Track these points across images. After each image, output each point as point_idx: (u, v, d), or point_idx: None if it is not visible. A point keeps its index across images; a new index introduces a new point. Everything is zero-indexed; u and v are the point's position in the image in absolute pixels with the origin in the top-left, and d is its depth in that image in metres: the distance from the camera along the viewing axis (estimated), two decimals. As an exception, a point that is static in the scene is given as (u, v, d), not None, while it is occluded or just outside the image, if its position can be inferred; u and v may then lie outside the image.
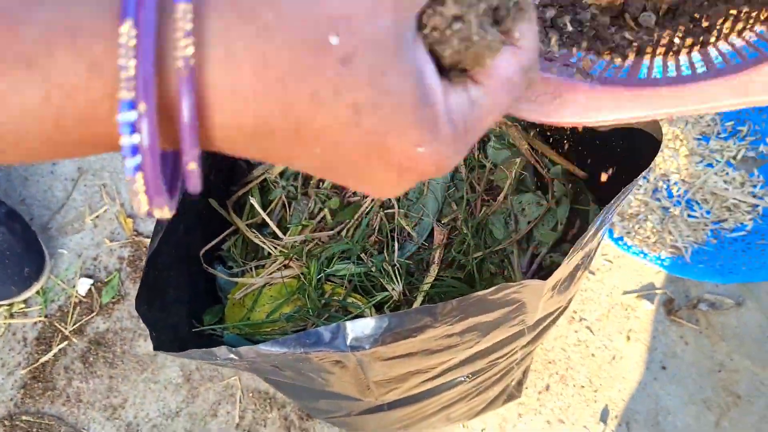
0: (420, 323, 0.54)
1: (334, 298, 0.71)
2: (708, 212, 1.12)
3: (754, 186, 1.14)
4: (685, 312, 1.08)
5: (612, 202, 0.55)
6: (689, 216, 1.12)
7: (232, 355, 0.55)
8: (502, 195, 0.71)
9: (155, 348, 0.58)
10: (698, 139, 1.19)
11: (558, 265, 0.69)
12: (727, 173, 1.15)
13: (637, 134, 0.61)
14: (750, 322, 1.07)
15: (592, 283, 1.10)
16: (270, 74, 0.26)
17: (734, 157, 1.17)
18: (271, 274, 0.71)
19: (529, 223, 0.70)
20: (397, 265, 0.69)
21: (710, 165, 1.16)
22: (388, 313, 0.67)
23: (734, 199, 1.12)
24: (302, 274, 0.71)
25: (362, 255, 0.71)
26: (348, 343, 0.54)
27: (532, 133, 0.74)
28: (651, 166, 0.57)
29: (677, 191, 1.14)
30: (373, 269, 0.68)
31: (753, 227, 1.09)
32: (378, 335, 0.54)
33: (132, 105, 0.24)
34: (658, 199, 1.13)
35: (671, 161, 1.16)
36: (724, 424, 1.02)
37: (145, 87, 0.24)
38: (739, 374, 1.05)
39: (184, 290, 0.71)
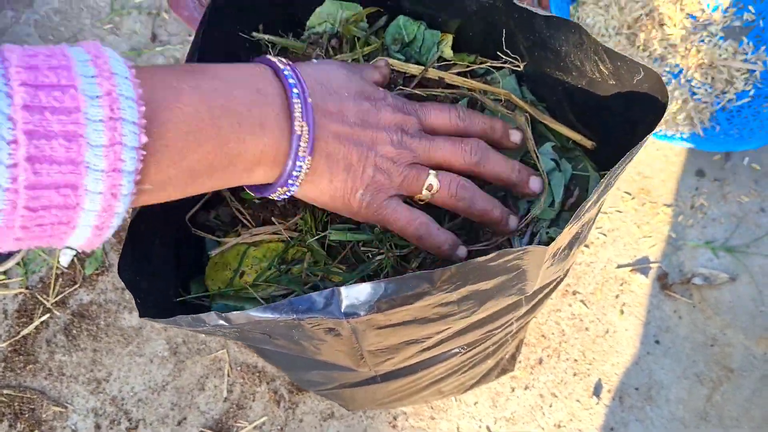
0: (417, 290, 0.51)
1: (318, 266, 0.69)
2: (710, 88, 1.14)
3: (746, 53, 1.17)
4: (679, 286, 1.07)
5: (616, 166, 0.53)
6: (695, 97, 1.15)
7: (221, 321, 0.53)
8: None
9: (141, 315, 0.55)
10: (689, 17, 1.21)
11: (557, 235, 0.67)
12: (719, 45, 1.18)
13: (639, 98, 0.58)
14: (743, 297, 1.06)
15: (586, 257, 1.08)
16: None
17: (722, 30, 1.20)
18: (258, 233, 0.68)
19: (528, 202, 0.68)
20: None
21: (702, 41, 1.18)
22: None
23: (726, 68, 1.16)
24: (297, 226, 0.68)
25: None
26: (342, 309, 0.52)
27: (529, 100, 0.72)
28: (655, 129, 0.55)
29: (678, 72, 1.17)
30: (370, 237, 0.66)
31: (755, 92, 1.13)
32: (373, 301, 0.51)
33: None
34: (669, 82, 1.16)
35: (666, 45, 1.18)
36: (716, 398, 1.01)
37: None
38: (732, 348, 1.04)
39: (170, 259, 0.69)
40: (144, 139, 0.40)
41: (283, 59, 0.52)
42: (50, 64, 0.38)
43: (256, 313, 0.52)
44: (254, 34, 0.74)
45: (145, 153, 0.40)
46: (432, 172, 0.56)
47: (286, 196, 0.54)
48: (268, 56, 0.53)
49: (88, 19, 1.22)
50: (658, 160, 1.14)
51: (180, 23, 1.21)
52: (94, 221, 0.40)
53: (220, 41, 0.72)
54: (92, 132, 0.37)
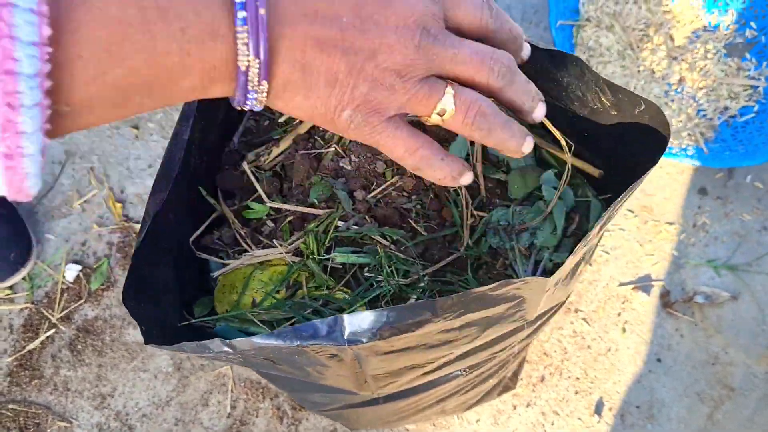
0: (419, 318, 0.52)
1: (324, 292, 0.70)
2: (714, 104, 1.16)
3: (749, 69, 1.19)
4: (681, 304, 1.07)
5: (618, 199, 0.53)
6: (700, 113, 1.16)
7: (226, 348, 0.54)
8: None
9: (146, 342, 0.56)
10: (692, 35, 1.21)
11: (560, 263, 0.68)
12: (722, 62, 1.20)
13: (641, 129, 0.59)
14: (745, 316, 1.06)
15: (589, 275, 1.09)
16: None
17: (724, 47, 1.21)
18: (259, 256, 0.69)
19: (531, 234, 0.68)
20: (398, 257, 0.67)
21: (705, 58, 1.20)
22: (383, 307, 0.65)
23: (730, 84, 1.17)
24: (300, 251, 0.69)
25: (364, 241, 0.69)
26: (345, 336, 0.52)
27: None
28: (657, 163, 0.56)
29: (681, 90, 1.18)
30: (376, 259, 0.67)
31: (759, 108, 1.15)
32: (376, 329, 0.52)
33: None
34: (673, 100, 1.16)
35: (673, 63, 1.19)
36: (717, 416, 1.02)
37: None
38: (734, 367, 1.04)
39: (174, 282, 0.69)
40: (47, 31, 0.32)
41: None
42: None
43: (259, 340, 0.53)
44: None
45: (50, 51, 0.32)
46: (449, 91, 0.44)
47: (257, 109, 0.43)
48: None
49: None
50: (660, 178, 1.15)
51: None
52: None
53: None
54: None
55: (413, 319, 0.52)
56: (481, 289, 0.50)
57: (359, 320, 0.52)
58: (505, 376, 0.93)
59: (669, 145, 1.11)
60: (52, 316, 1.05)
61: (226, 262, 0.72)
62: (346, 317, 0.52)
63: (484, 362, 0.73)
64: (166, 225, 0.66)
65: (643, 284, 1.09)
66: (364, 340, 0.53)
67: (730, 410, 1.02)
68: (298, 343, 0.53)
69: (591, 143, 0.66)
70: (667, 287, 1.08)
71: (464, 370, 0.73)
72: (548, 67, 0.61)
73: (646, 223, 1.12)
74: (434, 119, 0.45)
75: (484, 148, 0.73)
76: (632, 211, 1.13)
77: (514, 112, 0.50)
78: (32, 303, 1.06)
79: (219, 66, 0.39)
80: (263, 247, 0.72)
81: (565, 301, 0.75)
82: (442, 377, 0.72)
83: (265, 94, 0.41)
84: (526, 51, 0.51)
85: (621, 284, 1.09)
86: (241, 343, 0.53)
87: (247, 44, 0.38)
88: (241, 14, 0.37)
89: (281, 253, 0.70)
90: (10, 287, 1.07)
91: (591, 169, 0.68)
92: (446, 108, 0.44)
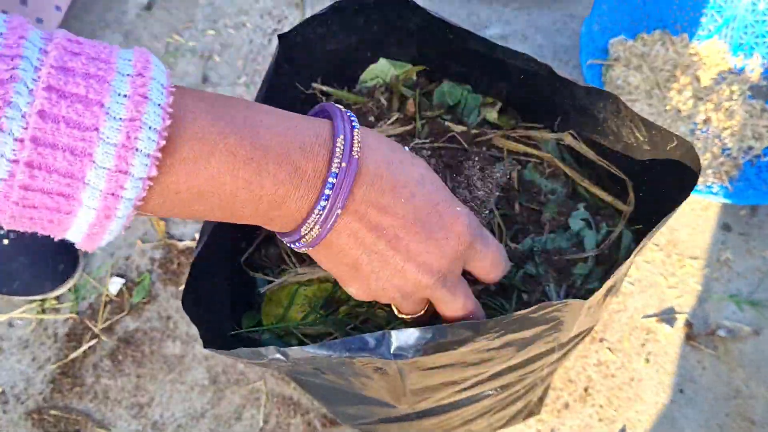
0: (462, 337, 0.56)
1: (364, 309, 0.73)
2: (738, 143, 1.19)
3: None
4: (704, 337, 1.10)
5: (653, 230, 0.57)
6: (725, 152, 1.18)
7: (278, 355, 0.57)
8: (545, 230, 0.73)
9: (205, 345, 0.60)
10: (718, 76, 1.25)
11: (592, 290, 0.71)
12: (747, 103, 1.23)
13: (672, 164, 0.63)
14: (767, 351, 1.09)
15: (614, 305, 1.12)
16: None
17: (749, 89, 1.25)
18: (304, 273, 0.73)
19: (567, 261, 0.72)
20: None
21: (730, 99, 1.24)
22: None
23: (754, 125, 1.20)
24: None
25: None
26: (392, 351, 0.56)
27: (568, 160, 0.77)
28: (688, 197, 0.59)
29: (707, 129, 1.21)
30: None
31: None
32: (421, 346, 0.56)
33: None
34: (698, 139, 1.20)
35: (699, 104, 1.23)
36: (738, 449, 1.04)
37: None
38: (755, 401, 1.06)
39: (226, 295, 0.74)
40: (154, 172, 0.38)
41: (355, 127, 0.49)
42: (87, 71, 0.36)
43: (311, 350, 0.57)
44: (313, 84, 0.80)
45: (152, 184, 0.39)
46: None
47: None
48: (336, 113, 0.50)
49: (144, 59, 1.28)
50: (685, 213, 1.18)
51: (230, 66, 1.27)
52: (85, 229, 0.38)
53: (280, 92, 0.78)
54: (102, 154, 0.35)
55: (456, 338, 0.56)
56: (521, 312, 0.54)
57: (405, 336, 0.56)
58: (531, 400, 0.95)
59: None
60: (95, 326, 1.10)
61: (272, 279, 0.76)
62: (393, 333, 0.56)
63: (515, 383, 0.76)
64: (219, 241, 0.70)
65: (666, 316, 1.11)
66: (409, 355, 0.56)
67: (750, 443, 1.04)
68: (348, 354, 0.56)
69: (624, 177, 0.70)
70: (690, 320, 1.11)
71: (496, 390, 0.76)
72: (585, 103, 0.65)
73: (671, 257, 1.15)
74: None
75: (519, 176, 0.77)
76: (657, 245, 1.16)
77: None
78: (76, 313, 1.11)
79: (286, 221, 0.49)
80: (308, 266, 0.76)
81: (591, 329, 0.79)
82: (475, 395, 0.75)
83: (306, 249, 0.52)
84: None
85: (645, 316, 1.11)
86: (293, 352, 0.57)
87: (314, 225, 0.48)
88: (322, 204, 0.47)
89: (326, 272, 0.73)
90: (57, 297, 1.11)
91: (621, 205, 0.72)
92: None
